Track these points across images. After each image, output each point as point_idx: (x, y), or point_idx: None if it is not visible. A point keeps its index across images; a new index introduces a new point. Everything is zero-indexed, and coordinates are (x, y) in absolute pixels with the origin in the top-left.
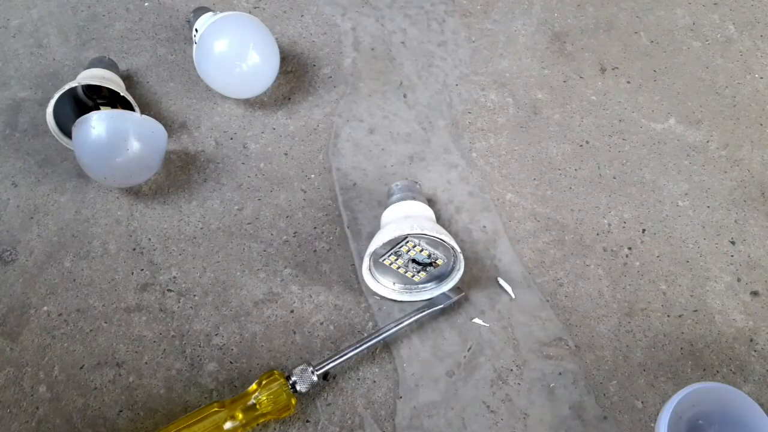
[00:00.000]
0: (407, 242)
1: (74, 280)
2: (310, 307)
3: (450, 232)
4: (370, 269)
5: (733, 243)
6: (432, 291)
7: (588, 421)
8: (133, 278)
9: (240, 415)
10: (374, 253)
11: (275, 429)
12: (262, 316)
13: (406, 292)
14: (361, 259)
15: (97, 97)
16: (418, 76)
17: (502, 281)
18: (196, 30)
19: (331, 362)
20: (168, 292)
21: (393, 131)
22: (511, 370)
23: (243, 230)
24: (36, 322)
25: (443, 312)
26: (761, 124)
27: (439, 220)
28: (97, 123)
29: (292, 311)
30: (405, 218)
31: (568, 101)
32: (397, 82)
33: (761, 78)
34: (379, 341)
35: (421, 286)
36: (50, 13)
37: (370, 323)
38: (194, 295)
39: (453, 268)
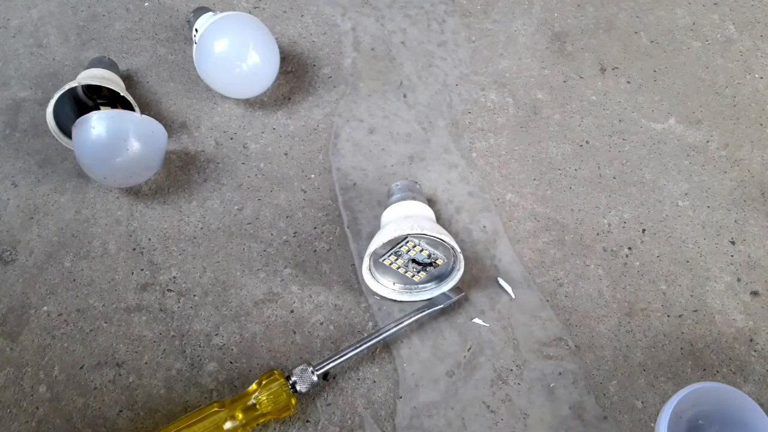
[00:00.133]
0: (407, 242)
1: (74, 280)
2: (310, 307)
3: (450, 232)
4: (370, 269)
5: (733, 243)
6: (432, 291)
7: (588, 421)
8: (133, 278)
9: (240, 415)
10: (374, 253)
11: (275, 429)
12: (262, 316)
13: (406, 292)
14: (361, 259)
15: (97, 97)
16: (418, 76)
17: (502, 281)
18: (196, 30)
19: (331, 362)
20: (168, 292)
21: (393, 131)
22: (511, 370)
23: (243, 230)
24: (36, 322)
25: (443, 312)
26: (761, 124)
27: (439, 220)
28: (97, 123)
29: (292, 311)
30: (405, 218)
31: (568, 101)
32: (397, 82)
33: (761, 78)
34: (379, 341)
35: (421, 286)
36: (50, 13)
37: (370, 323)
38: (194, 295)
39: (453, 268)
